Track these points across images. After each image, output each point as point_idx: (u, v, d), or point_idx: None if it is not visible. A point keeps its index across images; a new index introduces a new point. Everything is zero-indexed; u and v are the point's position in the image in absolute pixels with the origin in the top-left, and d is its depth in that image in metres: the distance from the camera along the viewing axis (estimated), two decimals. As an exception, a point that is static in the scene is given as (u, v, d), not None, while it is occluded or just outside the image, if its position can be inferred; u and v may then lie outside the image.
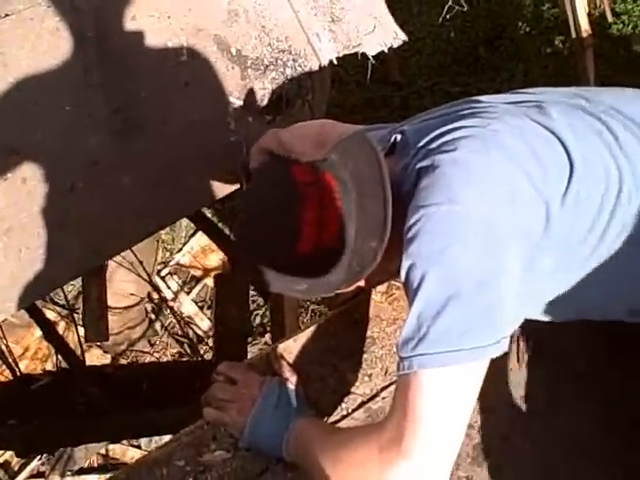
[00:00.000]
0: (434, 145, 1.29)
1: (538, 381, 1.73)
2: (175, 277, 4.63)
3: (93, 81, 1.83)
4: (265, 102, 1.98)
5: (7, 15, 1.78)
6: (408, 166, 1.32)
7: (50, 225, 1.78)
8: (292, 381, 1.52)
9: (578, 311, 1.49)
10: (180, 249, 4.60)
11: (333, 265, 1.26)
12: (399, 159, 1.36)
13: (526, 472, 1.67)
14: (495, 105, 1.39)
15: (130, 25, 1.87)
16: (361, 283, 1.37)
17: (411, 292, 1.21)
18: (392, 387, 1.61)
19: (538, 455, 1.69)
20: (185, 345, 4.46)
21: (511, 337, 1.25)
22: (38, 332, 4.04)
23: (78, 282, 3.56)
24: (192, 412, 1.56)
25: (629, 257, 1.32)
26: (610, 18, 4.28)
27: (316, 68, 2.01)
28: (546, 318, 1.61)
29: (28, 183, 1.76)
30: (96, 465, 4.01)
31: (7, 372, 3.40)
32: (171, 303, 4.52)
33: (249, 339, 4.02)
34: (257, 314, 4.34)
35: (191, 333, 4.51)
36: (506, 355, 1.24)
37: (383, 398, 1.61)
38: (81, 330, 3.52)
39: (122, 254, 2.55)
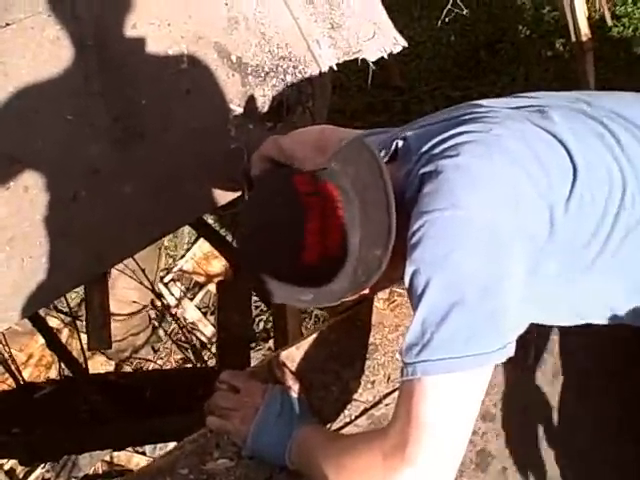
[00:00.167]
0: (437, 151, 1.28)
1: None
2: (178, 283, 4.63)
3: (94, 89, 1.84)
4: (266, 109, 1.99)
5: (8, 24, 1.78)
6: (411, 172, 1.31)
7: (52, 234, 1.78)
8: (295, 389, 1.51)
9: (583, 315, 1.48)
10: (183, 255, 4.60)
11: (338, 274, 1.25)
12: (401, 165, 1.35)
13: (530, 477, 1.67)
14: (497, 110, 1.38)
15: (130, 33, 1.88)
16: (365, 291, 1.37)
17: (415, 298, 1.21)
18: (395, 394, 1.61)
19: (541, 459, 1.69)
20: (189, 351, 4.46)
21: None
22: (42, 339, 4.04)
23: (81, 289, 3.55)
24: (196, 419, 1.55)
25: (634, 261, 1.31)
26: (610, 22, 4.29)
27: (316, 74, 2.02)
28: (551, 322, 1.61)
29: (30, 192, 1.77)
30: (101, 472, 4.02)
31: (10, 380, 3.40)
32: (174, 309, 4.52)
33: (252, 344, 4.02)
34: (260, 319, 4.35)
35: (195, 339, 4.51)
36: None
37: (386, 405, 1.61)
38: (84, 337, 3.53)
39: (124, 262, 2.55)
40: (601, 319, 1.50)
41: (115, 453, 3.93)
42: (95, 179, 1.83)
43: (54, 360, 4.13)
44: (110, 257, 1.91)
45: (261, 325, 4.34)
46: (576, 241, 1.28)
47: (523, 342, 1.39)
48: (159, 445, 3.71)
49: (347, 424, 1.57)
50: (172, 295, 4.57)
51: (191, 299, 4.60)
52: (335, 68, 2.04)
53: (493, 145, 1.26)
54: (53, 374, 4.16)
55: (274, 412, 1.45)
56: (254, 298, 3.36)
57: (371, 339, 1.66)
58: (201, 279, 4.61)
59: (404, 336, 1.22)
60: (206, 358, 4.39)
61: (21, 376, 3.36)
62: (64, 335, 4.26)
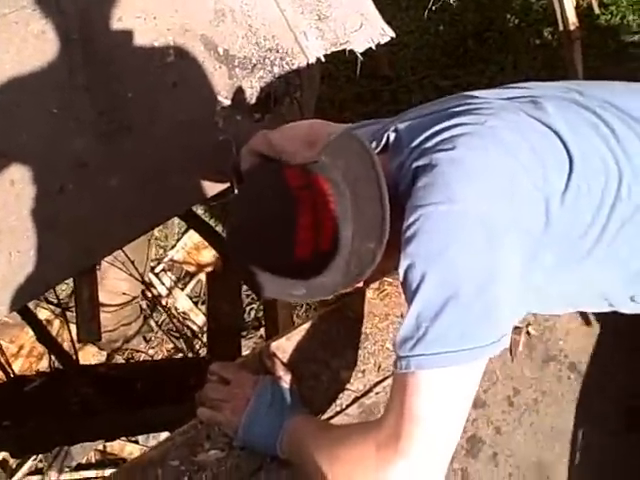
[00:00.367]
0: (430, 144, 1.27)
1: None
2: (169, 273, 4.62)
3: (79, 83, 1.83)
4: (253, 101, 1.98)
5: (-8, 19, 1.78)
6: (404, 165, 1.31)
7: (40, 227, 1.78)
8: (286, 379, 1.52)
9: (577, 304, 1.49)
10: (173, 246, 4.59)
11: (331, 268, 1.25)
12: (393, 157, 1.35)
13: (519, 461, 1.69)
14: (490, 101, 1.37)
15: (116, 27, 1.87)
16: (359, 284, 1.37)
17: (410, 292, 1.21)
18: (385, 382, 1.62)
19: (531, 445, 1.70)
20: (180, 340, 4.46)
21: None
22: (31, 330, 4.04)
23: (71, 280, 3.56)
24: (187, 410, 1.56)
25: (629, 251, 1.31)
26: (597, 10, 4.28)
27: (304, 66, 2.01)
28: (544, 311, 1.62)
29: (16, 186, 1.77)
30: (94, 461, 4.02)
31: (0, 373, 3.40)
32: (165, 299, 4.51)
33: (243, 333, 4.03)
34: (252, 308, 4.35)
35: (186, 329, 4.51)
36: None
37: (377, 393, 1.62)
38: (74, 329, 3.53)
39: (115, 253, 2.55)
40: (595, 308, 1.51)
41: (108, 442, 3.94)
42: (82, 172, 1.82)
43: (45, 351, 4.13)
44: (98, 250, 1.91)
45: (252, 314, 4.35)
46: (572, 232, 1.28)
47: (513, 328, 1.40)
48: (152, 434, 3.72)
49: (338, 413, 1.59)
50: (163, 285, 4.57)
51: (182, 289, 4.59)
52: (323, 59, 2.03)
53: (488, 137, 1.26)
54: (44, 365, 4.15)
55: (265, 403, 1.46)
56: (244, 287, 3.37)
57: (361, 328, 1.67)
58: (192, 269, 4.61)
59: (398, 329, 1.23)
60: (197, 347, 4.39)
61: (11, 369, 3.35)
62: (55, 326, 4.25)
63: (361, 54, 2.10)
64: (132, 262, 3.82)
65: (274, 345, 1.60)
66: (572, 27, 3.47)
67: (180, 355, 4.37)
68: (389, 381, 1.61)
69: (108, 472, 3.75)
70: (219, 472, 1.47)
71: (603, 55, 4.16)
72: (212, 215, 4.30)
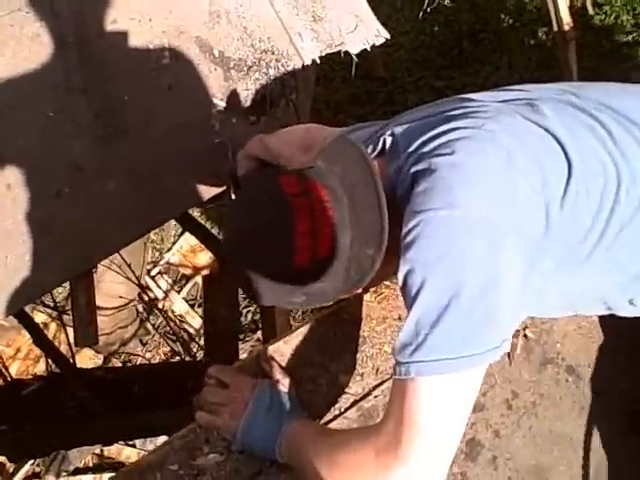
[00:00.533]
0: (428, 148, 1.26)
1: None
2: (165, 276, 4.62)
3: (74, 86, 1.83)
4: (249, 103, 1.98)
5: (-13, 22, 1.77)
6: (401, 169, 1.30)
7: (36, 231, 1.77)
8: (284, 383, 1.52)
9: (576, 308, 1.49)
10: (169, 248, 4.58)
11: (330, 275, 1.24)
12: (390, 161, 1.34)
13: (518, 465, 1.68)
14: (486, 104, 1.36)
15: (111, 29, 1.87)
16: (358, 290, 1.36)
17: (409, 298, 1.20)
18: (384, 385, 1.62)
19: (530, 448, 1.70)
20: (177, 343, 4.45)
21: None
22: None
23: (67, 283, 3.55)
24: (185, 413, 1.56)
25: (627, 255, 1.31)
26: (591, 10, 4.29)
27: (299, 68, 2.01)
28: (544, 315, 1.61)
29: (12, 190, 1.76)
30: (91, 465, 4.01)
31: (-3, 377, 3.39)
32: (162, 302, 4.51)
33: (241, 336, 4.02)
34: (249, 311, 4.34)
35: (182, 332, 4.50)
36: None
37: (375, 397, 1.62)
38: (71, 332, 3.52)
39: (111, 256, 2.54)
40: (594, 311, 1.51)
41: (105, 447, 3.93)
42: (78, 176, 1.82)
43: (42, 354, 4.12)
44: (95, 254, 1.90)
45: (249, 316, 4.34)
46: (572, 237, 1.27)
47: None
48: (149, 438, 3.71)
49: (337, 416, 1.59)
50: (159, 288, 4.56)
51: (178, 292, 4.59)
52: (318, 61, 2.03)
53: (487, 141, 1.25)
54: (41, 367, 4.15)
55: (263, 406, 1.46)
56: (241, 290, 3.36)
57: (359, 331, 1.67)
58: (188, 272, 4.60)
59: (396, 332, 1.22)
60: (194, 350, 4.38)
61: (8, 372, 3.34)
62: (52, 329, 4.24)
63: (356, 55, 2.10)
64: (129, 265, 3.81)
65: (272, 348, 1.60)
66: (566, 27, 3.48)
67: (177, 358, 4.36)
68: (387, 384, 1.61)
69: (106, 476, 3.74)
70: (218, 476, 1.47)
71: (597, 55, 4.17)
72: (208, 217, 4.30)
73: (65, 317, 3.91)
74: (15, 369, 3.98)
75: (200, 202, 1.99)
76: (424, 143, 1.27)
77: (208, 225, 4.20)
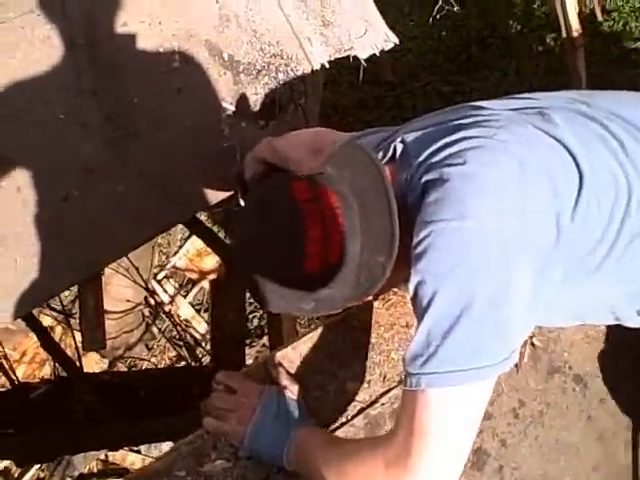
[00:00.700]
0: (439, 157, 1.25)
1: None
2: (171, 280, 4.62)
3: (85, 88, 1.83)
4: (258, 107, 1.98)
5: (-2, 23, 1.78)
6: (412, 178, 1.29)
7: (45, 234, 1.78)
8: (292, 390, 1.51)
9: (584, 318, 1.48)
10: (176, 252, 4.59)
11: (340, 282, 1.23)
12: (401, 169, 1.33)
13: (525, 474, 1.68)
14: (497, 113, 1.35)
15: (121, 32, 1.87)
16: (368, 297, 1.35)
17: (420, 309, 1.19)
18: (391, 393, 1.61)
19: (537, 457, 1.69)
20: (183, 348, 4.45)
21: None
22: (36, 337, 4.03)
23: (74, 287, 3.55)
24: (191, 419, 1.55)
25: (637, 266, 1.30)
26: (600, 16, 4.29)
27: (308, 72, 2.01)
28: (552, 324, 1.60)
29: (22, 192, 1.76)
30: (96, 470, 4.00)
31: (3, 379, 3.39)
32: (168, 307, 4.51)
33: (247, 341, 4.02)
34: (255, 316, 4.34)
35: (188, 336, 4.50)
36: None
37: (382, 404, 1.61)
38: (78, 335, 3.51)
39: (118, 259, 2.55)
40: (602, 321, 1.50)
41: (110, 452, 3.93)
42: (88, 178, 1.82)
43: (48, 357, 4.12)
44: (103, 257, 1.90)
45: (255, 322, 4.34)
46: (582, 248, 1.26)
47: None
48: (154, 444, 3.71)
49: (343, 424, 1.58)
50: (165, 292, 4.56)
51: (184, 296, 4.59)
52: (327, 66, 2.03)
53: (499, 151, 1.24)
54: (47, 371, 4.15)
55: (271, 413, 1.45)
56: (248, 294, 3.36)
57: (366, 338, 1.66)
58: (194, 276, 4.60)
59: (404, 339, 1.22)
60: (200, 355, 4.38)
61: (15, 376, 3.34)
62: (57, 333, 4.24)
63: (364, 60, 2.10)
64: (136, 269, 3.81)
65: (280, 355, 1.59)
66: (575, 34, 3.48)
67: (183, 363, 4.36)
68: (395, 392, 1.60)
69: (111, 482, 3.74)
70: (225, 482, 1.47)
71: (606, 61, 4.17)
72: (215, 221, 4.30)
73: (71, 321, 3.91)
74: (21, 373, 3.98)
75: (208, 206, 1.99)
76: (435, 152, 1.26)
77: (215, 229, 4.20)
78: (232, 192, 1.95)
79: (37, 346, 4.10)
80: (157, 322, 4.48)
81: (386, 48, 2.11)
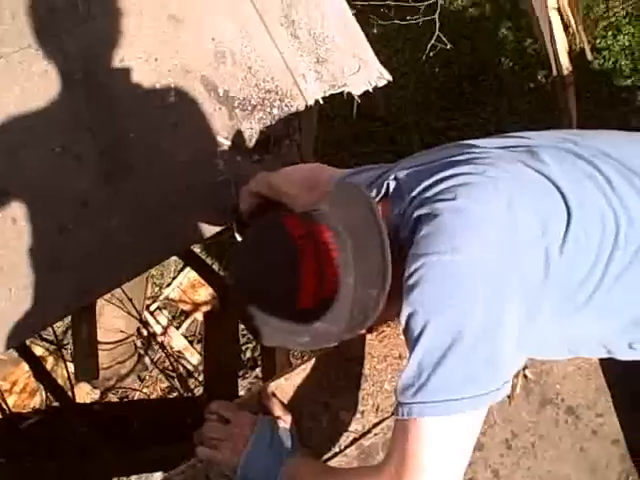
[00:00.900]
0: (431, 193, 1.28)
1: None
2: (164, 312, 4.62)
3: (81, 123, 1.86)
4: (253, 142, 2.00)
5: (-4, 58, 1.81)
6: (405, 212, 1.31)
7: (40, 265, 1.79)
8: (285, 420, 1.52)
9: (575, 350, 1.49)
10: (169, 284, 4.59)
11: (334, 316, 1.25)
12: (394, 205, 1.35)
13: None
14: (487, 150, 1.38)
15: (118, 67, 1.90)
16: (362, 331, 1.37)
17: (412, 339, 1.21)
18: (384, 424, 1.62)
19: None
20: (175, 380, 4.44)
21: None
22: (26, 367, 4.02)
23: (67, 318, 3.55)
24: (183, 449, 1.56)
25: (626, 300, 1.32)
26: (590, 56, 4.34)
27: (302, 108, 2.04)
28: (543, 357, 1.62)
29: (18, 223, 1.78)
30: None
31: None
32: (161, 338, 4.50)
33: (239, 373, 4.01)
34: (247, 348, 4.34)
35: (181, 368, 4.49)
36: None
37: (375, 434, 1.62)
38: (70, 366, 3.51)
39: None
40: (594, 354, 1.51)
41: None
42: (82, 212, 1.84)
43: (38, 388, 4.11)
44: (97, 288, 1.91)
45: (248, 353, 4.34)
46: (571, 282, 1.28)
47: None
48: (144, 475, 3.69)
49: (336, 454, 1.59)
50: (158, 323, 4.56)
51: (177, 327, 4.58)
52: (321, 101, 2.06)
53: (489, 188, 1.26)
54: (37, 401, 4.14)
55: (264, 442, 1.46)
56: (242, 326, 3.37)
57: (359, 370, 1.67)
58: (187, 307, 4.60)
59: (397, 370, 1.23)
60: (192, 387, 4.37)
61: (7, 405, 3.33)
62: (49, 363, 4.23)
63: (358, 96, 2.13)
64: (130, 300, 3.81)
65: (273, 385, 1.60)
66: (565, 72, 3.50)
67: (175, 394, 4.35)
68: (388, 422, 1.61)
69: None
70: (218, 512, 1.47)
71: (597, 99, 4.21)
72: (209, 253, 4.31)
73: (63, 352, 3.90)
74: (11, 403, 3.96)
75: (203, 238, 2.00)
76: (427, 188, 1.29)
77: (209, 261, 4.21)
78: (226, 225, 1.97)
79: (28, 376, 4.09)
80: (149, 353, 4.47)
81: (380, 85, 2.13)
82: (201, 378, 4.14)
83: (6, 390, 4.00)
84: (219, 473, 1.49)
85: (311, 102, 2.05)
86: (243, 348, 4.27)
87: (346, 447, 1.60)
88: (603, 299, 1.30)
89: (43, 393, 4.04)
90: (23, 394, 4.18)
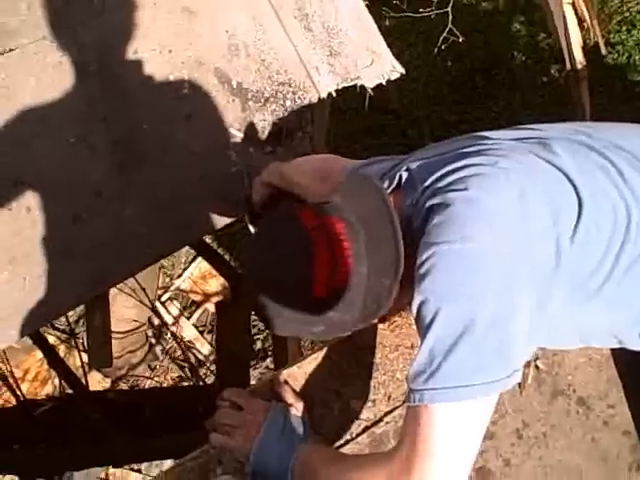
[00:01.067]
0: (443, 183, 1.29)
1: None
2: (175, 302, 4.63)
3: (96, 114, 1.87)
4: (266, 134, 2.01)
5: (12, 50, 1.82)
6: (417, 202, 1.32)
7: (54, 254, 1.81)
8: (298, 407, 1.54)
9: (586, 340, 1.50)
10: (180, 274, 4.60)
11: (348, 304, 1.26)
12: (406, 195, 1.36)
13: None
14: (500, 142, 1.39)
15: (132, 59, 1.92)
16: (375, 320, 1.38)
17: (423, 328, 1.22)
18: (395, 412, 1.63)
19: (539, 478, 1.71)
20: (186, 369, 4.46)
21: None
22: (38, 355, 4.05)
23: (79, 307, 3.57)
24: (195, 437, 1.57)
25: (637, 291, 1.32)
26: (604, 50, 4.32)
27: (315, 100, 2.05)
28: (554, 346, 1.62)
29: (32, 213, 1.80)
30: (97, 488, 4.00)
31: (8, 395, 3.40)
32: (172, 328, 4.52)
33: (251, 363, 4.03)
34: (258, 338, 4.35)
35: (192, 357, 4.51)
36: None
37: (387, 423, 1.63)
38: (82, 355, 3.53)
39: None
40: (605, 344, 1.52)
41: (111, 470, 3.92)
42: (96, 201, 1.86)
43: (50, 376, 4.13)
44: (111, 277, 1.93)
45: (259, 344, 4.35)
46: (582, 272, 1.29)
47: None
48: (155, 462, 3.71)
49: (348, 441, 1.60)
50: (169, 314, 4.57)
51: (188, 318, 4.60)
52: (334, 94, 2.07)
53: (500, 178, 1.27)
54: (49, 389, 4.16)
55: (277, 429, 1.47)
56: (253, 317, 3.38)
57: (371, 359, 1.68)
58: (198, 298, 4.61)
59: (408, 360, 1.24)
60: (203, 376, 4.39)
61: (21, 392, 3.36)
62: (61, 352, 4.25)
63: (370, 88, 2.13)
64: (143, 289, 3.82)
65: (285, 373, 1.61)
66: (579, 66, 3.49)
67: (185, 384, 4.36)
68: (399, 411, 1.62)
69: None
70: (231, 497, 1.49)
71: (609, 94, 4.20)
72: (220, 244, 4.32)
73: (76, 341, 3.93)
74: (24, 391, 3.99)
75: (215, 229, 2.02)
76: (440, 178, 1.30)
77: (221, 251, 4.22)
78: (239, 216, 1.98)
79: (40, 364, 4.12)
80: (160, 342, 4.49)
81: (392, 78, 2.14)
82: (212, 367, 4.16)
83: (19, 378, 4.03)
84: (232, 459, 1.50)
85: (324, 95, 2.06)
86: (254, 338, 4.28)
87: (358, 435, 1.61)
88: (613, 291, 1.31)
89: (56, 381, 4.06)
90: (35, 382, 4.20)
